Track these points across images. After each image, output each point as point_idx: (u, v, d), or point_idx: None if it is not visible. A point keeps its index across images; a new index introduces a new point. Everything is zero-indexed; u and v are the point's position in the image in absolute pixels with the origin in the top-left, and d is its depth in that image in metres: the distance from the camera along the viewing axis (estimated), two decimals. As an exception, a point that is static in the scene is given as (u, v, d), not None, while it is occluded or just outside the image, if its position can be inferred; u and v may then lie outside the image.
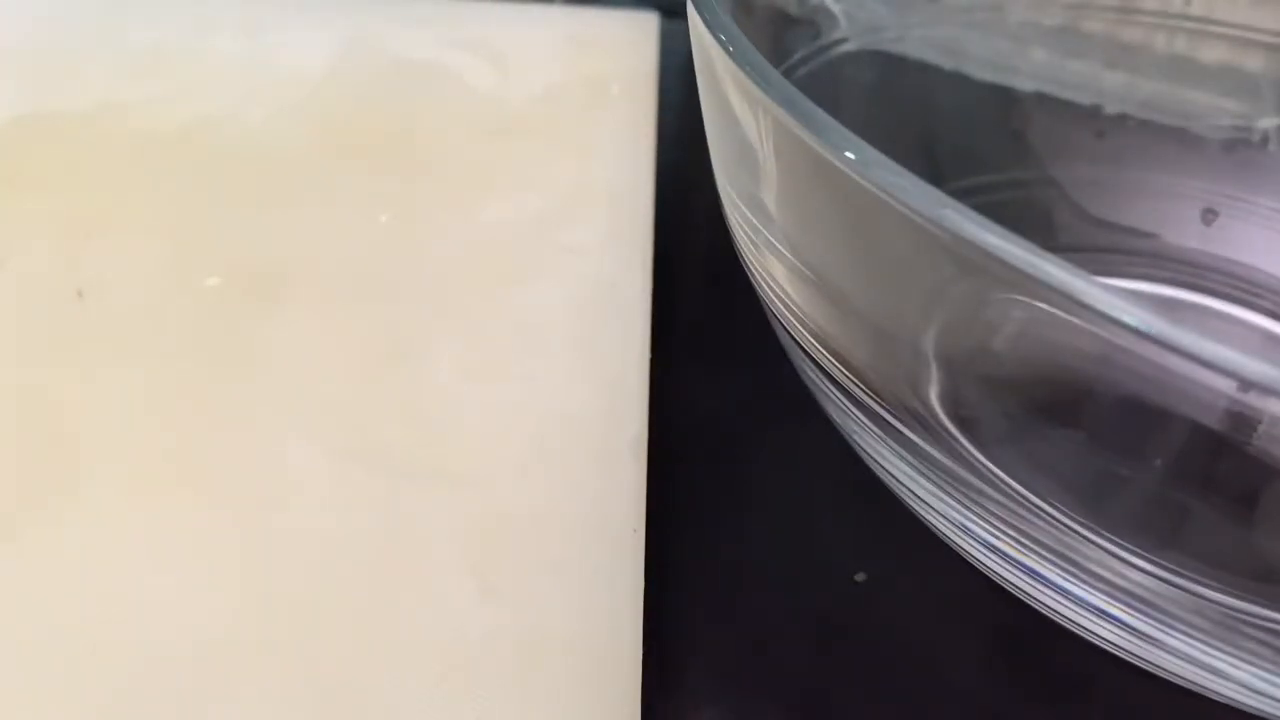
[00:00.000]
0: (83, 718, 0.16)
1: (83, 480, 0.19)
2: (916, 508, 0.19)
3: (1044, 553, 0.16)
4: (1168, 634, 0.15)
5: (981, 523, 0.17)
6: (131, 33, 0.33)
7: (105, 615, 0.17)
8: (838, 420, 0.20)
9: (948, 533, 0.18)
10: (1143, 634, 0.15)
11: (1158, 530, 0.15)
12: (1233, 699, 0.16)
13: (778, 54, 0.24)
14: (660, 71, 0.35)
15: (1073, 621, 0.17)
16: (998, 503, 0.16)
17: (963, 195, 0.13)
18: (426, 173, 0.29)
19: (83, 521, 0.19)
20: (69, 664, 0.17)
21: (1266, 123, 0.28)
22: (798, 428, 0.23)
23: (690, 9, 0.19)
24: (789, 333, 0.20)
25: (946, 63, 0.28)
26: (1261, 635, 0.14)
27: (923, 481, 0.18)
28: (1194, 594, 0.15)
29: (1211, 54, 0.28)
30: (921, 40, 0.28)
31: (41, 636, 0.17)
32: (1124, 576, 0.15)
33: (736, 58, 0.16)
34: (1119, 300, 0.11)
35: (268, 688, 0.17)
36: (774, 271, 0.19)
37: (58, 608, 0.17)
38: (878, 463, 0.19)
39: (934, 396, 0.16)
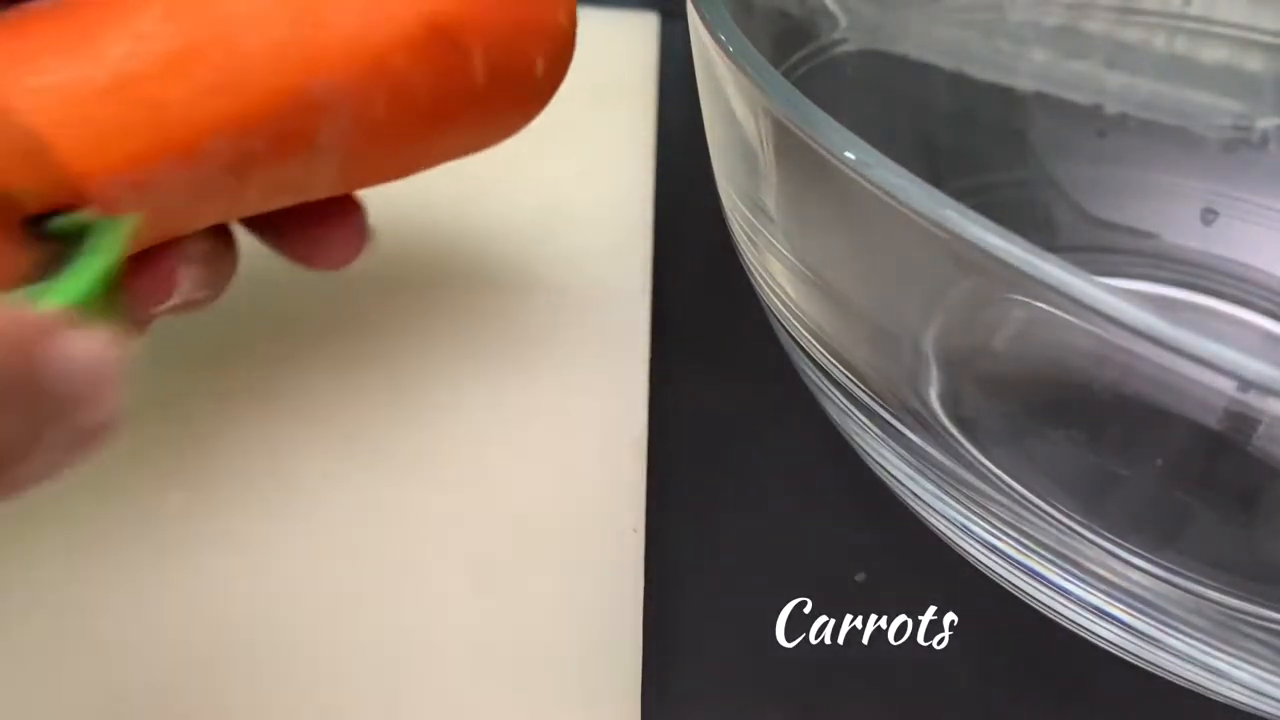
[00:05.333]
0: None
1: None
2: (916, 508, 0.19)
3: (1044, 553, 0.16)
4: (1168, 634, 0.15)
5: (981, 523, 0.17)
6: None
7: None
8: (838, 420, 0.20)
9: (948, 533, 0.18)
10: (1143, 634, 0.15)
11: (1158, 530, 0.15)
12: (1233, 699, 0.16)
13: (778, 54, 0.24)
14: (660, 71, 0.35)
15: (1073, 621, 0.17)
16: (998, 503, 0.16)
17: (963, 195, 0.13)
18: (426, 172, 0.29)
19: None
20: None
21: (1266, 123, 0.28)
22: (798, 428, 0.23)
23: (690, 9, 0.19)
24: (789, 333, 0.20)
25: (946, 63, 0.28)
26: (1261, 635, 0.14)
27: (923, 481, 0.18)
28: (1194, 594, 0.15)
29: (1211, 54, 0.28)
30: (921, 40, 0.28)
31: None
32: (1124, 576, 0.15)
33: (736, 58, 0.16)
34: (1119, 300, 0.11)
35: (269, 683, 0.17)
36: (774, 271, 0.19)
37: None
38: (878, 463, 0.19)
39: (934, 396, 0.16)
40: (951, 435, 0.16)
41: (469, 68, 0.18)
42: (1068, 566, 0.16)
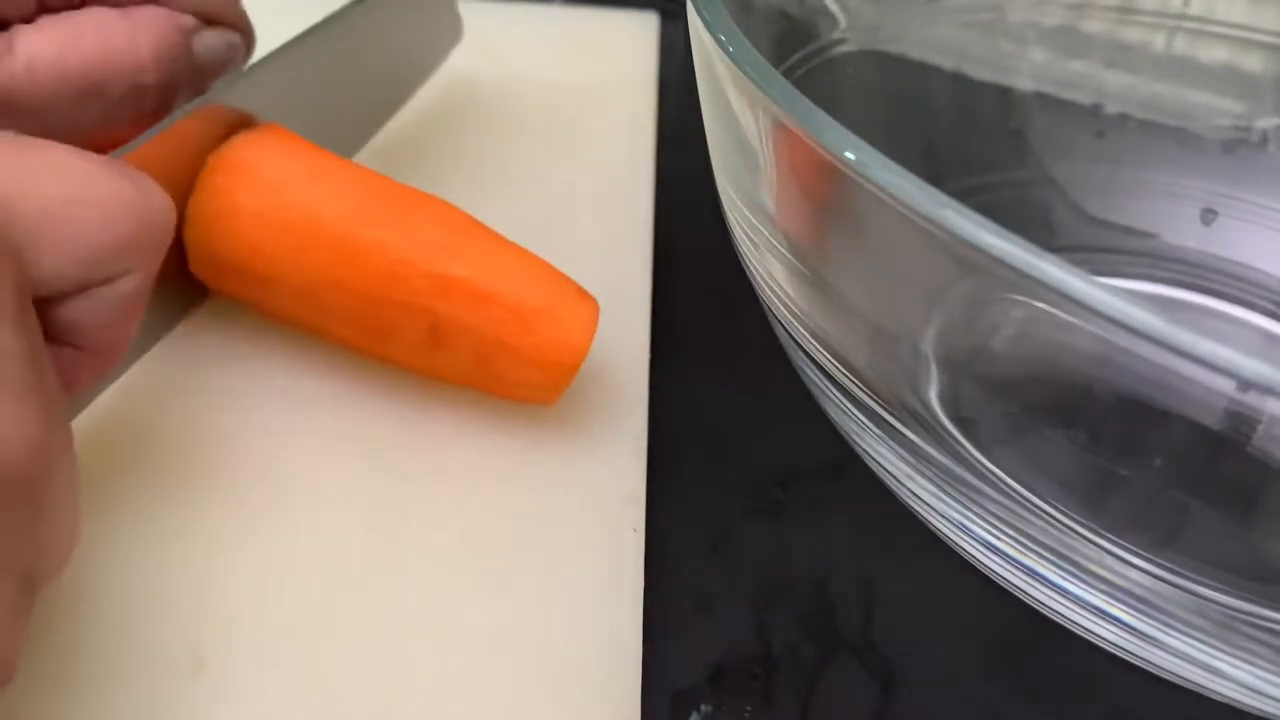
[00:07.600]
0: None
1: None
2: (916, 508, 0.19)
3: (1044, 553, 0.16)
4: (1168, 634, 0.15)
5: (981, 523, 0.17)
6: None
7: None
8: (838, 420, 0.20)
9: (948, 533, 0.18)
10: (1143, 634, 0.16)
11: (1158, 530, 0.15)
12: (1233, 699, 0.16)
13: (778, 54, 0.24)
14: (660, 71, 0.35)
15: (1073, 621, 0.17)
16: (998, 503, 0.16)
17: (963, 195, 0.13)
18: (427, 172, 0.29)
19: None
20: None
21: (1266, 123, 0.28)
22: (798, 428, 0.23)
23: (690, 9, 0.19)
24: (789, 333, 0.20)
25: (946, 63, 0.28)
26: (1261, 635, 0.14)
27: (923, 481, 0.18)
28: (1194, 594, 0.15)
29: (1211, 54, 0.28)
30: (921, 40, 0.28)
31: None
32: (1124, 576, 0.15)
33: (736, 58, 0.16)
34: (1118, 300, 0.11)
35: (274, 681, 0.17)
36: (774, 271, 0.19)
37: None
38: (878, 463, 0.19)
39: (934, 396, 0.16)
40: (951, 435, 0.16)
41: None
42: (1068, 566, 0.16)
